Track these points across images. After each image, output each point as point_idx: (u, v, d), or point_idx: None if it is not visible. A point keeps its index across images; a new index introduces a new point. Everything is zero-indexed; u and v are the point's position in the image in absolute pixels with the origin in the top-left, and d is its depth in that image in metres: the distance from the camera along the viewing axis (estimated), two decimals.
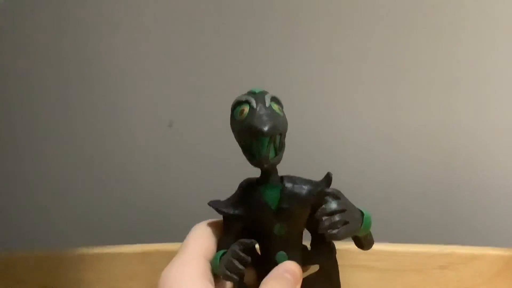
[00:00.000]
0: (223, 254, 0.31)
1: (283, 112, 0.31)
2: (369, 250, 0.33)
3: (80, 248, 0.50)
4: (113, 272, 0.49)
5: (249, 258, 0.30)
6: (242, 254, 0.30)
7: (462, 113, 0.57)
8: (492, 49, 0.55)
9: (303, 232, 0.33)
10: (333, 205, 0.30)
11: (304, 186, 0.32)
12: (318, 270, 0.34)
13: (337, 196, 0.31)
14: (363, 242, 0.32)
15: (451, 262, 0.48)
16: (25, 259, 0.49)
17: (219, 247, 0.32)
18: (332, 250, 0.33)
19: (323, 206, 0.30)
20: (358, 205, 0.32)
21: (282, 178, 0.32)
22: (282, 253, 0.32)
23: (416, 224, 0.60)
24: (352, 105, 0.58)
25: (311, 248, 0.33)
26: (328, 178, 0.31)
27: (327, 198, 0.31)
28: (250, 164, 0.31)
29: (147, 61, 0.58)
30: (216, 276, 0.31)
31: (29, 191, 0.63)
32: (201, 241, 0.32)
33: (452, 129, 0.58)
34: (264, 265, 0.32)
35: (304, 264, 0.33)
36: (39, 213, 0.64)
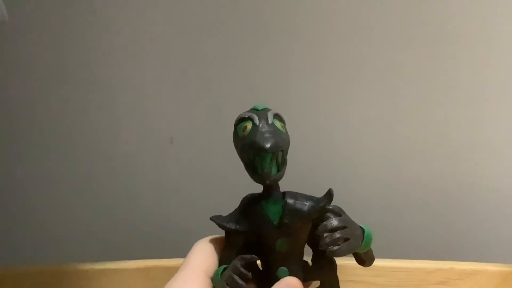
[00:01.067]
0: (224, 270, 0.31)
1: (285, 129, 0.32)
2: (369, 266, 0.33)
3: (82, 264, 0.50)
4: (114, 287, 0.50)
5: (249, 274, 0.30)
6: (242, 270, 0.30)
7: (460, 128, 0.57)
8: (491, 61, 0.55)
9: (305, 248, 0.33)
10: (334, 221, 0.30)
11: (305, 202, 0.31)
12: (319, 285, 0.33)
13: (338, 213, 0.31)
14: (364, 259, 0.33)
15: (450, 278, 0.48)
16: (27, 275, 0.49)
17: (220, 262, 0.32)
18: (333, 265, 0.33)
19: (324, 222, 0.30)
20: (357, 221, 0.32)
21: (284, 193, 0.32)
22: (283, 268, 0.32)
23: (415, 240, 0.60)
24: (350, 121, 0.58)
25: (312, 263, 0.33)
26: (329, 195, 0.31)
27: (329, 215, 0.31)
28: (250, 180, 0.31)
29: (148, 78, 0.59)
30: None
31: (31, 206, 0.63)
32: (202, 257, 0.32)
33: (451, 145, 0.58)
34: (265, 281, 0.32)
35: (305, 279, 0.33)
36: (41, 229, 0.64)
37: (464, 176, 0.58)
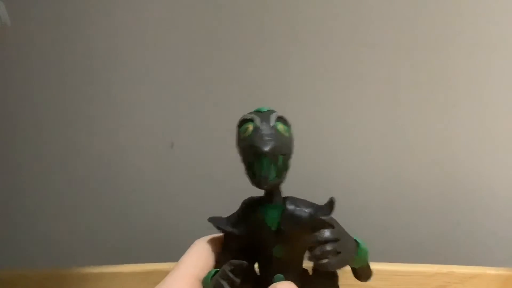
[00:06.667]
0: (215, 274, 0.30)
1: (289, 132, 0.30)
2: (366, 281, 0.32)
3: (81, 268, 0.50)
4: None
5: (237, 280, 0.29)
6: (230, 275, 0.29)
7: (460, 135, 0.57)
8: (491, 65, 0.55)
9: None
10: (326, 233, 0.28)
11: (305, 210, 0.30)
12: None
13: (331, 224, 0.29)
14: (359, 273, 0.31)
15: (450, 282, 0.48)
16: (27, 278, 0.49)
17: (216, 264, 0.32)
18: (334, 275, 0.32)
19: (315, 234, 0.28)
20: (359, 227, 0.31)
21: (285, 199, 0.31)
22: (280, 276, 0.31)
23: (415, 244, 0.60)
24: (350, 125, 0.59)
25: (312, 272, 0.32)
26: (330, 203, 0.30)
27: (322, 221, 0.29)
28: (251, 185, 0.30)
29: (148, 82, 0.59)
30: None
31: (30, 210, 0.63)
32: (195, 260, 0.32)
33: (451, 149, 0.58)
34: (262, 287, 0.30)
35: None
36: (40, 232, 0.64)
37: (464, 179, 0.58)
